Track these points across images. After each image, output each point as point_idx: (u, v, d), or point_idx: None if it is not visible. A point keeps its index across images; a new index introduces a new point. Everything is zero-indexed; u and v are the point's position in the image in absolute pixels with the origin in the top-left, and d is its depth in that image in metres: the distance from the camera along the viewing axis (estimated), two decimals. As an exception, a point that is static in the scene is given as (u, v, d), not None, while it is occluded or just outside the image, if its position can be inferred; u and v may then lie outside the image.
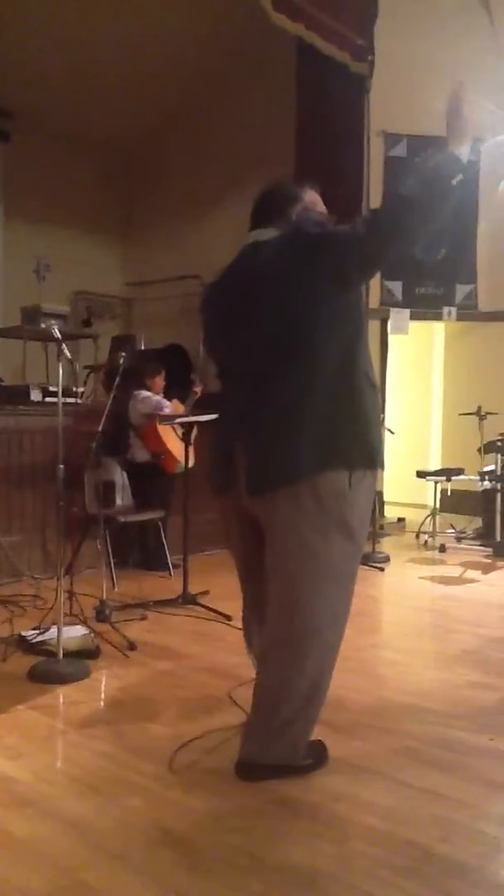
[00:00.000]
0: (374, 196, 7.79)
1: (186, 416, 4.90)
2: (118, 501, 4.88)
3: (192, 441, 4.91)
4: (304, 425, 2.22)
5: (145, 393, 5.38)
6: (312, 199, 2.59)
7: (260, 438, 2.30)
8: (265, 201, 2.53)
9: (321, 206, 2.61)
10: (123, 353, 4.54)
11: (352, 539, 2.30)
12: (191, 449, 4.81)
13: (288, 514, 2.25)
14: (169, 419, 5.10)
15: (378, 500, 6.86)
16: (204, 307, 2.59)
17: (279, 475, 2.24)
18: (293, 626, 2.30)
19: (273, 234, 2.41)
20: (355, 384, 2.28)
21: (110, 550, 4.76)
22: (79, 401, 5.43)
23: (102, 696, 3.13)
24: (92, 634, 3.59)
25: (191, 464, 4.94)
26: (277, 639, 2.35)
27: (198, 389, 5.59)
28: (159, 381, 5.51)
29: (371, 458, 2.29)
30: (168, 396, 5.51)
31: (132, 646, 3.57)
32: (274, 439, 2.26)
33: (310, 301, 2.25)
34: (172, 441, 5.19)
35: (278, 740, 2.34)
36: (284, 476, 2.23)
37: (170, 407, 5.34)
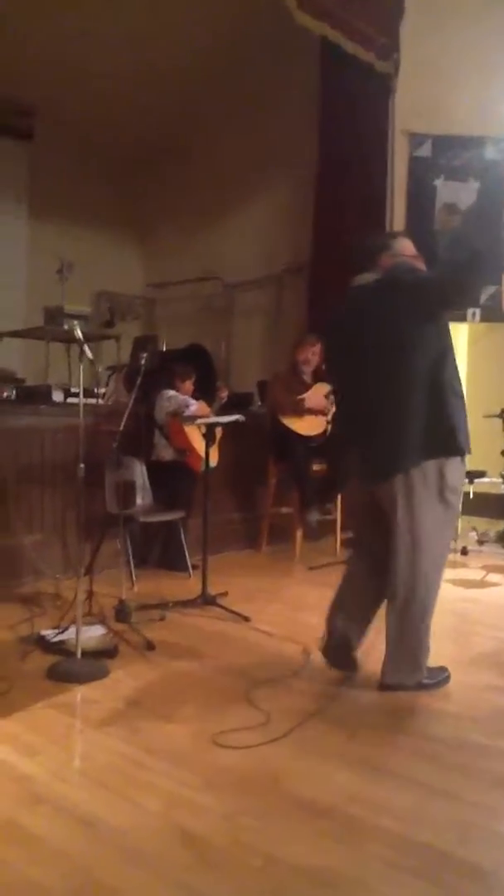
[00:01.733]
0: (398, 196, 7.75)
1: (212, 419, 4.90)
2: (138, 501, 4.88)
3: (215, 441, 4.92)
4: (406, 430, 2.96)
5: (171, 392, 5.40)
6: (403, 245, 3.21)
7: (377, 440, 3.06)
8: (359, 251, 3.34)
9: (411, 251, 3.20)
10: (145, 354, 4.56)
11: (448, 507, 3.04)
12: (213, 449, 4.82)
13: (402, 494, 2.98)
14: (191, 419, 5.10)
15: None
16: (326, 338, 3.54)
17: (393, 466, 2.99)
18: (410, 571, 3.03)
19: (371, 278, 3.14)
20: (441, 396, 2.95)
21: (130, 550, 4.78)
22: (100, 401, 5.46)
23: (120, 695, 3.14)
24: (111, 634, 3.61)
25: (213, 464, 4.95)
26: (400, 582, 3.05)
27: (224, 394, 5.58)
28: (189, 385, 5.53)
29: (458, 449, 3.00)
30: (194, 398, 5.51)
31: (151, 646, 3.58)
32: (387, 441, 3.01)
33: (406, 333, 2.94)
34: (198, 440, 5.20)
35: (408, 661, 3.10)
36: (395, 467, 2.98)
37: (195, 406, 5.35)
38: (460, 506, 3.21)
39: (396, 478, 2.99)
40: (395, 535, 3.04)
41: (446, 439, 2.98)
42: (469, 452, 3.05)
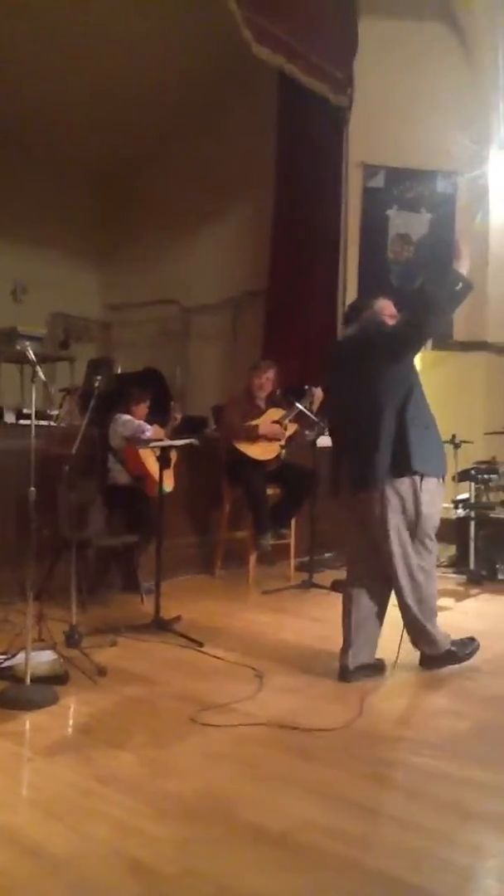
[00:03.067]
0: (352, 225, 7.89)
1: (166, 442, 4.88)
2: (92, 525, 4.83)
3: (169, 465, 4.89)
4: (380, 451, 3.46)
5: (126, 416, 5.35)
6: (381, 305, 3.78)
7: (357, 459, 3.57)
8: (349, 309, 4.24)
9: (389, 310, 3.77)
10: (99, 377, 4.53)
11: (420, 515, 3.52)
12: (168, 473, 4.79)
13: (378, 508, 3.50)
14: (145, 443, 5.07)
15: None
16: (328, 369, 4.11)
17: (369, 482, 3.50)
18: (398, 576, 3.58)
19: (354, 329, 3.83)
20: (405, 425, 3.47)
21: (83, 575, 4.71)
22: (53, 423, 5.40)
23: (70, 722, 3.08)
24: (61, 660, 3.54)
25: (169, 488, 4.91)
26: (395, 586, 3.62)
27: (178, 416, 5.57)
28: (143, 408, 5.49)
29: (411, 471, 3.47)
30: (147, 421, 5.48)
31: (102, 671, 3.52)
32: (365, 459, 3.51)
33: (381, 373, 3.53)
34: (153, 465, 5.17)
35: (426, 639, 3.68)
36: (372, 483, 3.49)
37: (150, 431, 5.31)
38: (436, 517, 3.65)
39: (375, 493, 3.50)
40: (386, 541, 3.54)
41: (404, 462, 3.47)
42: (436, 476, 3.58)
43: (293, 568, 6.03)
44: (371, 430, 3.50)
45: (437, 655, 3.72)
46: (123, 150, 9.15)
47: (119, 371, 7.88)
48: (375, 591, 3.70)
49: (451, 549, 6.53)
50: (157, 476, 5.00)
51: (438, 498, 3.65)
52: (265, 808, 2.35)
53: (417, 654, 3.78)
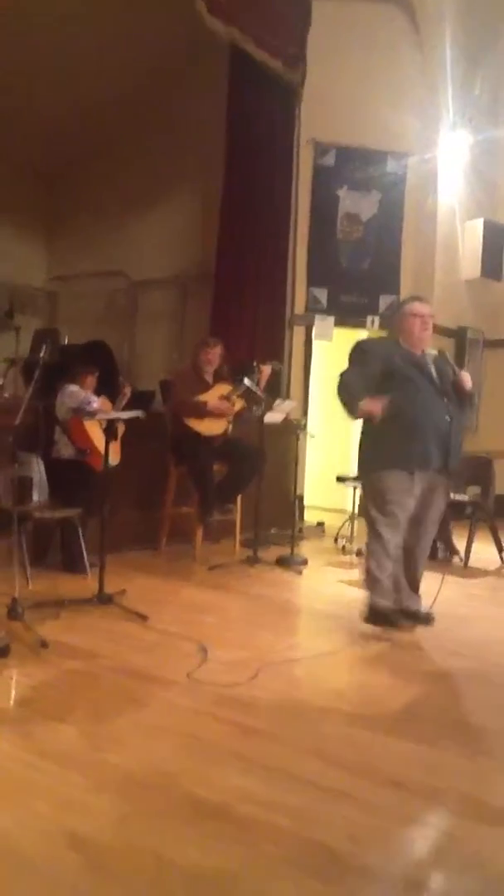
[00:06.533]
0: (303, 203, 7.88)
1: (112, 414, 4.83)
2: (35, 498, 4.77)
3: (116, 438, 4.84)
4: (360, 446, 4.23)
5: (73, 387, 5.29)
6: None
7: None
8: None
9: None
10: (45, 347, 4.46)
11: (381, 503, 4.03)
12: (114, 446, 4.75)
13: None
14: (92, 415, 5.02)
15: (298, 505, 6.91)
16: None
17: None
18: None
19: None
20: (379, 426, 3.97)
21: (25, 547, 4.66)
22: (-4, 395, 5.31)
23: (11, 695, 3.06)
24: (2, 632, 3.51)
25: (115, 462, 4.87)
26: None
27: (127, 390, 5.51)
28: (91, 381, 5.42)
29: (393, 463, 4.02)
30: (96, 393, 5.42)
31: (44, 644, 3.50)
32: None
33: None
34: (99, 438, 5.11)
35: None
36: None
37: (97, 403, 5.26)
38: (395, 503, 4.01)
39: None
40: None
41: (371, 457, 4.12)
42: (401, 468, 3.98)
43: (238, 544, 6.06)
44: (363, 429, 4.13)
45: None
46: (72, 123, 8.95)
47: (66, 343, 7.77)
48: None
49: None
50: (101, 449, 4.97)
51: (396, 482, 4.09)
52: (205, 782, 2.37)
53: (359, 628, 3.84)
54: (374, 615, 4.06)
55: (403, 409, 3.95)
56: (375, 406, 3.91)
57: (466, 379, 4.10)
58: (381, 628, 4.04)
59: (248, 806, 2.24)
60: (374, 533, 4.06)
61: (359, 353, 4.16)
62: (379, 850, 2.05)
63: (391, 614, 4.09)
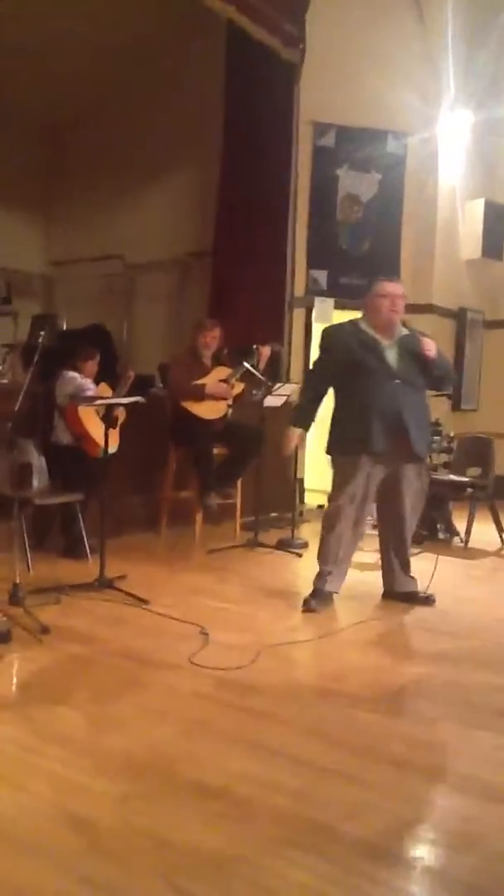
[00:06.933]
0: (302, 184, 7.82)
1: (111, 399, 4.82)
2: (34, 483, 4.77)
3: (115, 424, 4.83)
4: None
5: (71, 373, 5.28)
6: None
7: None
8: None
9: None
10: (43, 332, 4.44)
11: (335, 488, 4.16)
12: (113, 432, 4.74)
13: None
14: (90, 401, 5.01)
15: (298, 487, 6.91)
16: None
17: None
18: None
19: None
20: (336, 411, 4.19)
21: (26, 533, 4.67)
22: (-5, 380, 5.29)
23: (13, 680, 3.07)
24: (3, 618, 3.52)
25: (113, 448, 4.86)
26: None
27: (131, 374, 5.47)
28: (91, 366, 5.38)
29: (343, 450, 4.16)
30: (97, 379, 5.40)
31: (45, 629, 3.51)
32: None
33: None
34: (95, 425, 5.10)
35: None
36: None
37: (93, 390, 5.24)
38: (348, 486, 4.09)
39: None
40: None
41: (329, 443, 4.20)
42: (350, 453, 4.07)
43: (239, 527, 6.07)
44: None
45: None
46: (69, 104, 8.88)
47: (64, 327, 7.75)
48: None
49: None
50: (96, 436, 4.96)
51: (349, 467, 4.20)
52: (205, 764, 2.39)
53: (359, 611, 3.85)
54: (309, 596, 4.16)
55: (354, 395, 4.02)
56: (292, 439, 4.20)
57: (427, 345, 4.01)
58: (308, 608, 4.11)
59: (248, 787, 2.25)
60: (325, 522, 4.20)
61: (323, 340, 4.23)
62: (379, 830, 2.06)
63: (318, 597, 4.16)
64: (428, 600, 4.22)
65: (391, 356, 4.04)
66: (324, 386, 4.20)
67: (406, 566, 4.31)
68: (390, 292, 4.07)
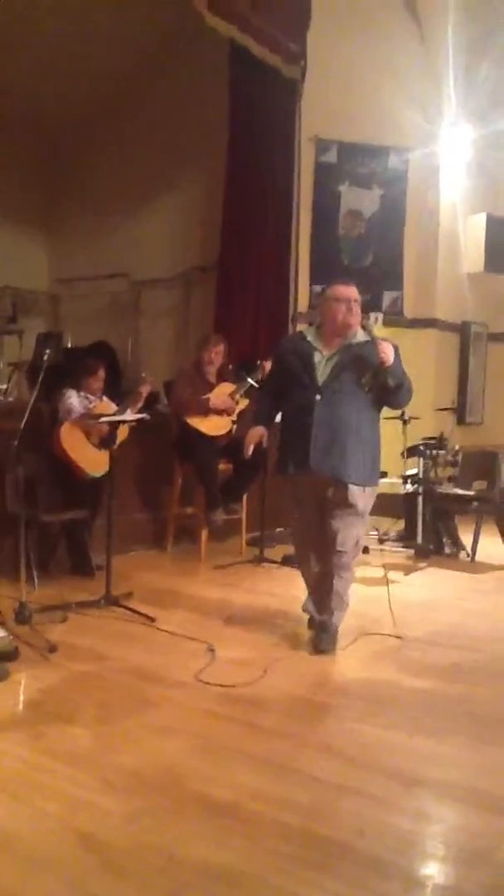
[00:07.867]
0: (304, 200, 7.86)
1: (115, 417, 4.81)
2: (40, 501, 4.78)
3: (111, 445, 4.76)
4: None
5: (69, 392, 5.28)
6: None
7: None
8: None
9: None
10: (48, 350, 4.46)
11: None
12: (102, 455, 4.68)
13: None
14: (95, 418, 5.00)
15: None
16: None
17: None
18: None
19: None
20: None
21: (32, 551, 4.68)
22: (1, 398, 5.32)
23: (21, 698, 3.08)
24: (11, 636, 3.52)
25: (99, 473, 4.83)
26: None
27: (142, 390, 5.30)
28: (94, 381, 5.34)
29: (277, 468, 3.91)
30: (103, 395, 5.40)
31: (52, 647, 3.51)
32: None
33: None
34: (80, 448, 5.04)
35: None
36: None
37: (77, 414, 5.17)
38: (289, 502, 4.00)
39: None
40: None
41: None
42: (282, 471, 3.84)
43: (244, 543, 6.07)
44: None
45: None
46: (72, 122, 8.95)
47: (69, 345, 7.79)
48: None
49: (400, 524, 6.64)
50: (79, 460, 4.94)
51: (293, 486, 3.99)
52: (214, 780, 2.39)
53: (365, 625, 3.84)
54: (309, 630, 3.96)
55: (286, 410, 3.89)
56: (253, 436, 3.96)
57: (384, 349, 3.55)
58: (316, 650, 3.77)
59: (257, 803, 2.25)
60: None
61: (274, 354, 4.10)
62: (389, 846, 2.06)
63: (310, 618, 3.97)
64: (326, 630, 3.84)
65: (324, 368, 3.67)
66: (273, 395, 4.00)
67: (328, 593, 3.86)
68: (345, 296, 3.71)
